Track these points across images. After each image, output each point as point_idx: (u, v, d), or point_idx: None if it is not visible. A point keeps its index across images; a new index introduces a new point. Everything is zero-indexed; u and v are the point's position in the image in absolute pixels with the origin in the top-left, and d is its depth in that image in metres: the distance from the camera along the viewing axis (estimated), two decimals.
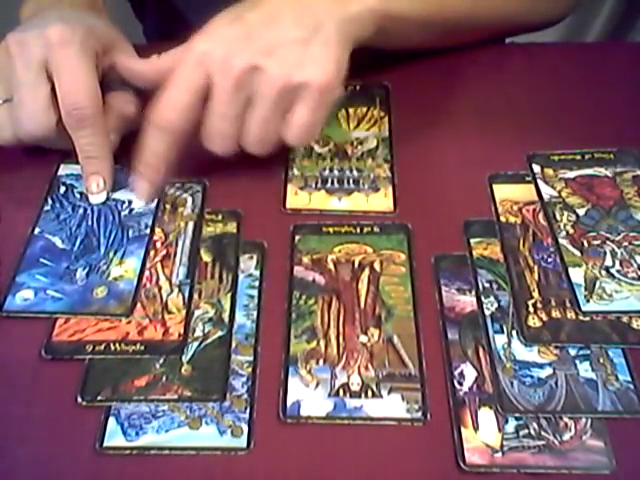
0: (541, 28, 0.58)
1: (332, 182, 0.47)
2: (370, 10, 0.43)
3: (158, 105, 0.41)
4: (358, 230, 0.44)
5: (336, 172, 0.47)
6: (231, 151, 0.44)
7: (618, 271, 0.41)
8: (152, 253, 0.43)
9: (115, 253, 0.43)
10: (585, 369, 0.37)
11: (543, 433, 0.35)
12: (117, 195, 0.46)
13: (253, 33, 0.41)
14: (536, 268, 0.41)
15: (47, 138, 0.43)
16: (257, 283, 0.41)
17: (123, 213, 0.45)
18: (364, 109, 0.52)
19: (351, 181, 0.47)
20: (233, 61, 0.40)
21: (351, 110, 0.51)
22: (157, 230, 0.44)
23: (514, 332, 0.38)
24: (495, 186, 0.46)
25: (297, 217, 0.45)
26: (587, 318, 0.39)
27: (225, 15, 0.43)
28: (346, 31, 0.42)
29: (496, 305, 0.40)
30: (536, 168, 0.47)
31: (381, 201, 0.46)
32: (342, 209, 0.45)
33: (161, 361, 0.38)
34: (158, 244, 0.43)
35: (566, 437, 0.35)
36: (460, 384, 0.37)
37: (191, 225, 0.44)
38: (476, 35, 0.55)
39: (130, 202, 0.46)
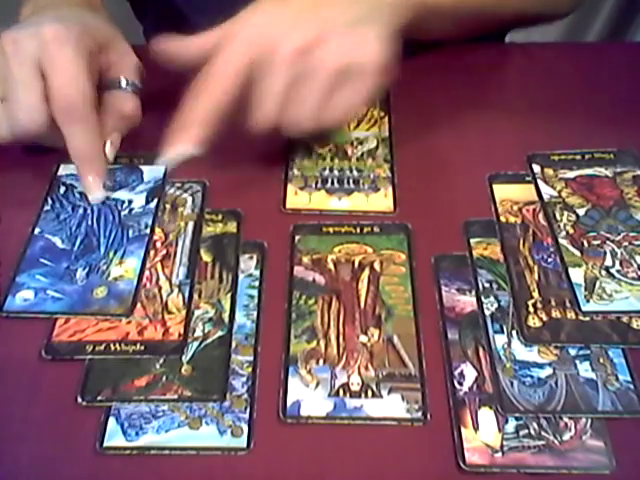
0: (556, 19, 0.60)
1: (332, 182, 0.47)
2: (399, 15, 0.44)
3: (208, 73, 0.41)
4: (358, 230, 0.44)
5: (336, 172, 0.47)
6: (270, 126, 0.42)
7: (618, 271, 0.41)
8: (152, 253, 0.43)
9: (115, 253, 0.43)
10: (585, 369, 0.37)
11: (543, 433, 0.35)
12: (117, 195, 0.46)
13: (303, 14, 0.41)
14: (536, 268, 0.41)
15: (42, 135, 0.43)
16: (257, 283, 0.41)
17: (123, 213, 0.45)
18: (364, 109, 0.52)
19: (351, 181, 0.47)
20: (291, 37, 0.40)
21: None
22: (157, 230, 0.44)
23: (514, 332, 0.38)
24: (495, 186, 0.46)
25: (297, 217, 0.45)
26: (587, 318, 0.39)
27: (264, 2, 0.42)
28: (394, 15, 0.43)
29: (496, 305, 0.40)
30: (536, 168, 0.47)
31: (381, 201, 0.46)
32: (342, 209, 0.45)
33: (161, 361, 0.38)
34: (158, 244, 0.43)
35: (566, 437, 0.35)
36: (460, 384, 0.37)
37: (191, 225, 0.44)
38: (498, 24, 0.56)
39: (130, 202, 0.46)
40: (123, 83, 0.46)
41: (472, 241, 0.43)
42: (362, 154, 0.48)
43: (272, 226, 0.44)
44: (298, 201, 0.46)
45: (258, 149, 0.48)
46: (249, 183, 0.47)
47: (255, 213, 0.45)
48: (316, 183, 0.47)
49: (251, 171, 0.48)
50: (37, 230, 0.44)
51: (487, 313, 0.39)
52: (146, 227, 0.44)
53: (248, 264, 0.42)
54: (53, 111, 0.42)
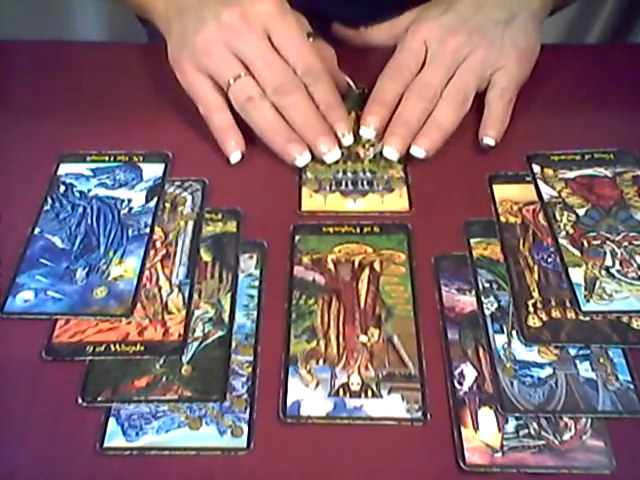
0: None
1: (346, 184, 0.47)
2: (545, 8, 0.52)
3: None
4: (358, 230, 0.44)
5: (349, 174, 0.47)
6: (423, 111, 0.47)
7: (618, 271, 0.41)
8: (152, 252, 0.43)
9: (115, 252, 0.43)
10: (585, 369, 0.37)
11: (543, 433, 0.35)
12: (116, 193, 0.46)
13: (464, 19, 0.49)
14: (536, 268, 0.41)
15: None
16: (257, 283, 0.41)
17: (122, 212, 0.45)
18: None
19: (365, 182, 0.47)
20: (448, 40, 0.48)
21: (361, 113, 0.51)
22: (157, 229, 0.44)
23: (514, 332, 0.38)
24: (495, 186, 0.46)
25: (298, 217, 0.45)
26: (587, 318, 0.39)
27: (436, 6, 0.51)
28: (536, 19, 0.51)
29: (496, 305, 0.40)
30: (536, 168, 0.47)
31: (396, 201, 0.46)
32: (358, 210, 0.45)
33: (161, 361, 0.38)
34: (158, 243, 0.43)
35: (566, 437, 0.35)
36: (460, 384, 0.37)
37: (191, 224, 0.44)
38: None
39: (130, 200, 0.46)
40: (310, 38, 0.49)
41: (472, 241, 0.43)
42: (374, 156, 0.48)
43: (272, 225, 0.44)
44: (314, 203, 0.46)
45: (258, 147, 0.48)
46: (249, 181, 0.47)
47: (255, 212, 0.45)
48: (330, 186, 0.47)
49: (251, 169, 0.48)
50: (37, 230, 0.44)
51: (487, 313, 0.39)
52: (146, 226, 0.44)
53: (248, 264, 0.42)
54: (300, 74, 0.46)
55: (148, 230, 0.44)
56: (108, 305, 0.40)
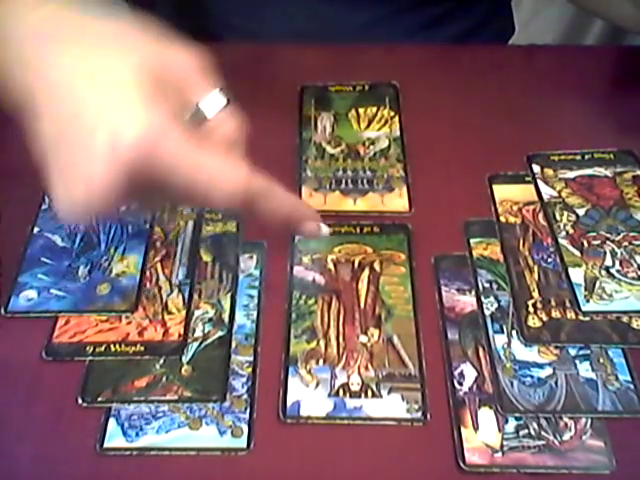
0: None
1: (346, 183, 0.47)
2: None
3: None
4: (358, 230, 0.44)
5: (349, 173, 0.47)
6: None
7: (618, 271, 0.41)
8: (152, 253, 0.43)
9: (116, 249, 0.43)
10: (585, 369, 0.37)
11: (543, 433, 0.35)
12: None
13: None
14: (536, 268, 0.41)
15: None
16: (257, 283, 0.41)
17: (122, 209, 0.45)
18: (374, 109, 0.51)
19: (365, 181, 0.47)
20: None
21: (361, 110, 0.51)
22: (157, 229, 0.44)
23: (514, 332, 0.38)
24: (495, 186, 0.46)
25: None
26: (587, 318, 0.39)
27: None
28: None
29: (496, 305, 0.40)
30: (536, 168, 0.47)
31: (396, 201, 0.45)
32: (358, 210, 0.45)
33: (161, 362, 0.38)
34: (158, 243, 0.43)
35: (566, 437, 0.35)
36: (460, 384, 0.37)
37: (191, 224, 0.44)
38: None
39: None
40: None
41: (472, 241, 0.43)
42: (374, 154, 0.48)
43: (272, 226, 0.44)
44: (313, 203, 0.45)
45: (258, 147, 0.48)
46: None
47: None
48: (330, 184, 0.47)
49: (251, 169, 0.48)
50: (36, 229, 0.44)
51: (487, 313, 0.39)
52: (145, 223, 0.44)
53: (248, 264, 0.42)
54: None
55: (148, 226, 0.44)
56: (112, 301, 0.40)
